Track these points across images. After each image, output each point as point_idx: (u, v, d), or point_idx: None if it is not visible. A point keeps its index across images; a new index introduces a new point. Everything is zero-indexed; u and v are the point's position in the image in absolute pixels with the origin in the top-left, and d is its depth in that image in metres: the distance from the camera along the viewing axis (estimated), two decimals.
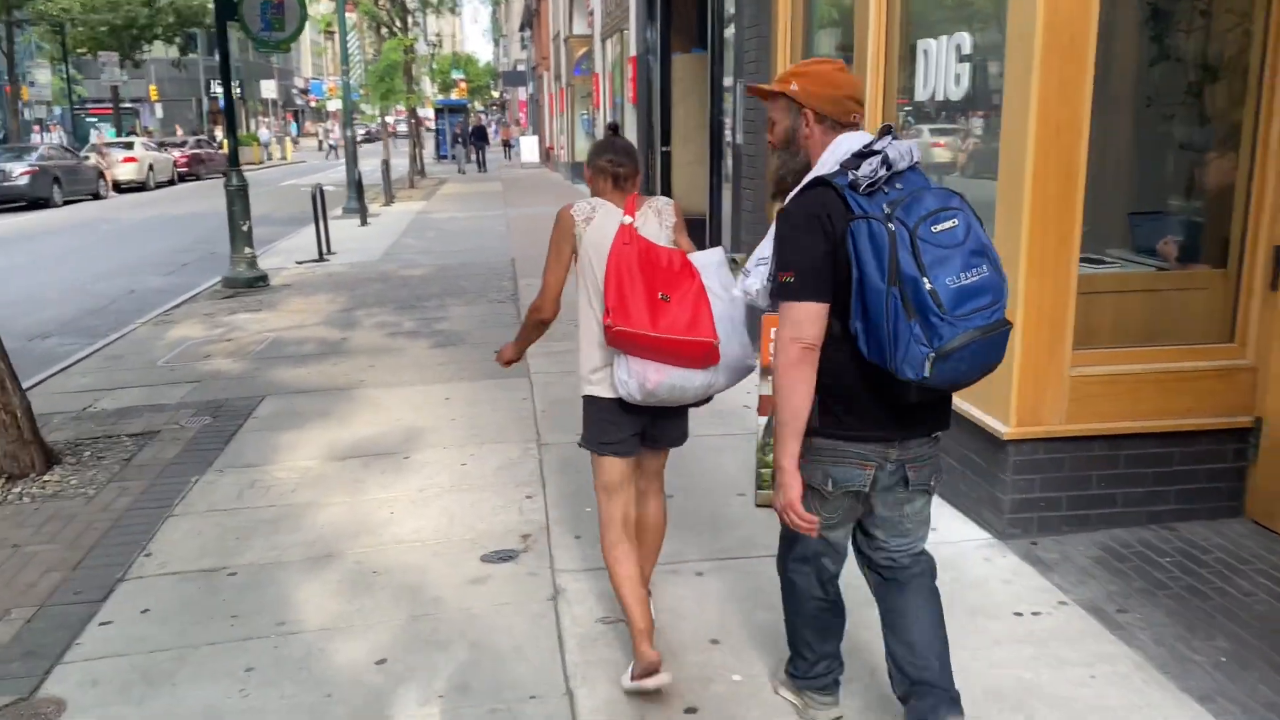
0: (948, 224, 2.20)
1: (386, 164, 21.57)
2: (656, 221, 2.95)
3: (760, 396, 4.34)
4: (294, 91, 74.60)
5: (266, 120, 56.47)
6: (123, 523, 4.42)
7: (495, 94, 75.23)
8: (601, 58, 20.20)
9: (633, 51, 13.68)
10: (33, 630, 3.49)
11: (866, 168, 2.23)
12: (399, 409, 5.96)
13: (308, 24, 20.56)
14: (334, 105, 45.24)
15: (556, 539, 4.05)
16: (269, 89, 56.79)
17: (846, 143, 2.38)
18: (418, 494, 4.60)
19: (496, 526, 4.21)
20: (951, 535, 4.04)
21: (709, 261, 2.89)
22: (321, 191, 13.50)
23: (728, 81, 8.12)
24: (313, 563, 3.93)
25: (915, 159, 2.32)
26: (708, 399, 2.97)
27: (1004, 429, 3.88)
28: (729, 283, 2.84)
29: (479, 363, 7.07)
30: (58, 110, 45.91)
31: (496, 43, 78.92)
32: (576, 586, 3.64)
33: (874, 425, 2.37)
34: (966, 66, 4.28)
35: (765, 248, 2.50)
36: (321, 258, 12.89)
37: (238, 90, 58.25)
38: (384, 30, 26.13)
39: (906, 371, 2.17)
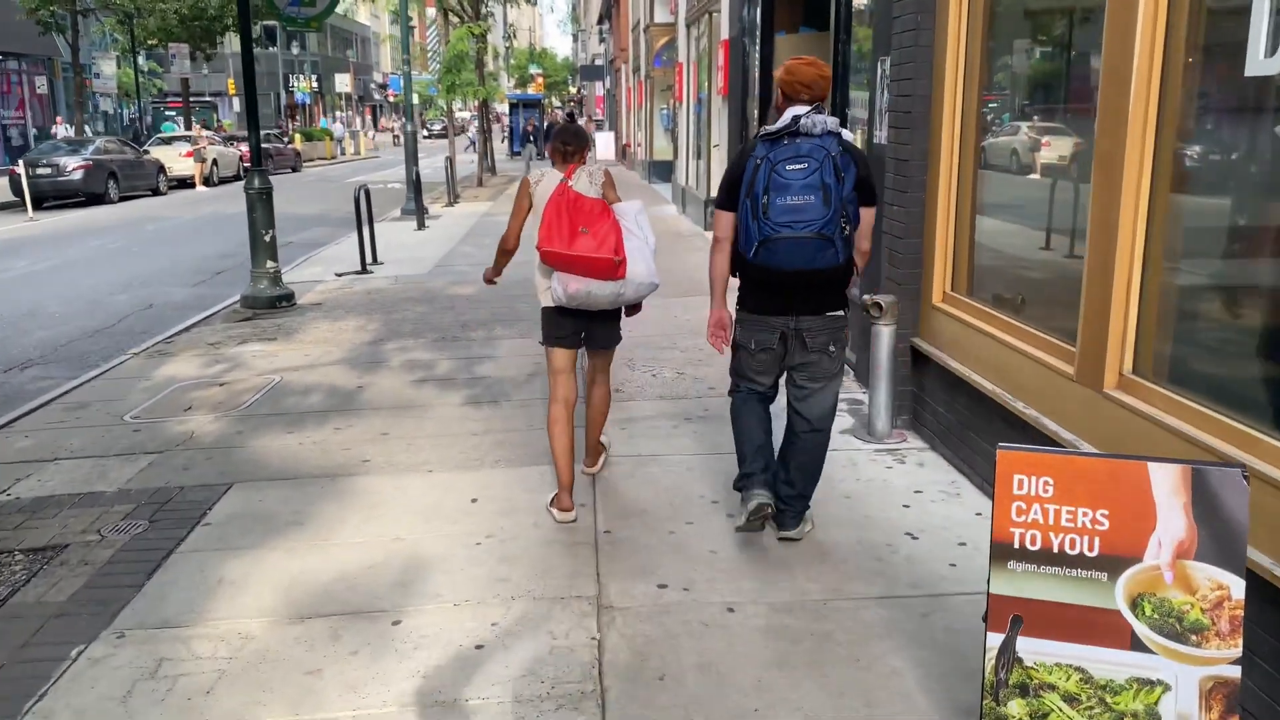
0: (799, 165, 3.34)
1: (450, 161, 20.04)
2: (588, 180, 4.04)
3: (989, 597, 2.44)
4: (372, 86, 74.29)
5: (341, 115, 55.99)
6: None
7: (573, 89, 73.90)
8: (685, 46, 18.34)
9: (725, 34, 11.79)
10: None
11: (774, 126, 3.43)
12: (404, 518, 4.22)
13: (386, 16, 19.16)
14: (413, 99, 44.31)
15: None
16: (344, 83, 56.31)
17: (792, 110, 3.43)
18: (397, 715, 2.82)
19: None
20: None
21: (628, 210, 4.02)
22: (367, 194, 11.90)
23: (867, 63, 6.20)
24: None
25: (828, 128, 3.40)
26: (636, 307, 4.23)
27: None
28: (644, 224, 4.01)
29: (525, 434, 5.29)
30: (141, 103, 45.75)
31: (575, 38, 77.61)
32: None
33: (775, 305, 3.58)
34: None
35: None
36: (364, 269, 11.31)
37: (315, 84, 58.07)
38: (453, 18, 24.67)
39: (747, 253, 3.45)
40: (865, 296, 4.96)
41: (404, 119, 18.47)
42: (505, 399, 6.01)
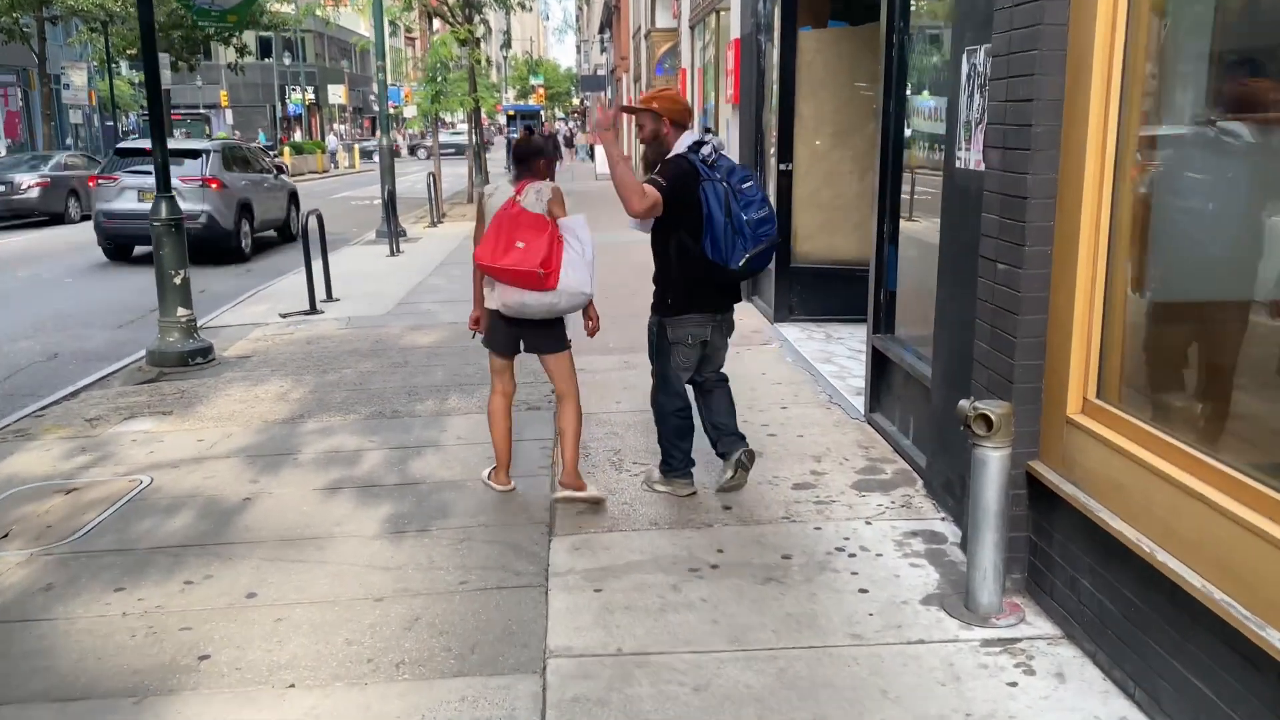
0: (748, 184, 4.12)
1: (434, 178, 18.39)
2: (535, 197, 4.21)
3: None
4: (371, 98, 72.67)
5: (335, 128, 54.51)
6: None
7: (575, 100, 72.31)
8: (689, 51, 16.73)
9: (735, 33, 10.14)
10: None
11: (706, 150, 4.13)
12: None
13: (387, 25, 17.40)
14: (410, 111, 42.69)
15: None
16: (337, 94, 54.89)
17: (688, 137, 4.19)
18: None
19: None
20: None
21: (571, 224, 4.20)
22: (320, 220, 10.29)
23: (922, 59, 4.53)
24: None
25: (724, 148, 4.28)
26: (559, 317, 4.33)
27: None
28: (585, 238, 4.19)
29: (453, 599, 3.58)
30: (132, 116, 44.16)
31: (578, 49, 76.08)
32: None
33: (710, 303, 4.27)
34: None
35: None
36: (313, 309, 9.63)
37: (311, 96, 56.46)
38: (439, 24, 23.06)
39: (735, 263, 4.04)
40: (964, 402, 3.27)
41: (380, 130, 16.82)
42: (439, 523, 4.32)
